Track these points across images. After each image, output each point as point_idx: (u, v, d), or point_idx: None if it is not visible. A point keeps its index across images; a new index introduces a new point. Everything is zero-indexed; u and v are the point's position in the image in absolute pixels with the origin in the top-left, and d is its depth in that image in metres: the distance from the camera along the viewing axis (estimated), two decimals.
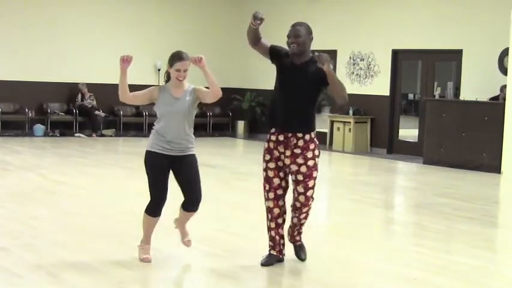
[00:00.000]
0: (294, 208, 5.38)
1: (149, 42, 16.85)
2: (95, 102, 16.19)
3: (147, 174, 5.32)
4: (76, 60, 16.18)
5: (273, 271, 5.35)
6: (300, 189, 5.26)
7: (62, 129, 16.01)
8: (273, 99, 5.40)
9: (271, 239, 5.42)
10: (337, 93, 5.17)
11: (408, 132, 15.25)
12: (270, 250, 5.45)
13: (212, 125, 17.37)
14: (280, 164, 5.28)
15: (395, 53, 14.74)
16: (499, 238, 7.37)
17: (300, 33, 5.20)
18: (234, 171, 11.35)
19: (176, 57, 5.30)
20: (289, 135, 5.22)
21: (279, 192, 5.31)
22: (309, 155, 5.24)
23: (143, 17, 17.00)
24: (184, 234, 5.63)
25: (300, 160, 5.23)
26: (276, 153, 5.26)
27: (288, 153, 5.24)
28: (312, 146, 5.27)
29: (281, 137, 5.24)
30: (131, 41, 16.85)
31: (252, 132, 17.62)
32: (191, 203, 5.39)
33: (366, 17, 14.90)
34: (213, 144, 15.13)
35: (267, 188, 5.33)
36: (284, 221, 5.42)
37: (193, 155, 5.38)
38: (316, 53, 5.11)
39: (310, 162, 5.25)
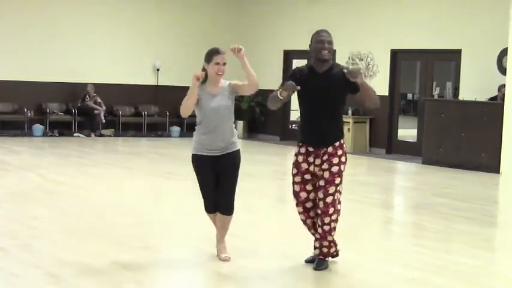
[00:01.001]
0: (317, 216, 5.30)
1: (149, 42, 16.85)
2: (99, 100, 16.16)
3: (197, 177, 5.44)
4: (75, 60, 16.17)
5: (273, 271, 5.35)
6: (320, 195, 5.23)
7: (61, 129, 16.00)
8: (301, 114, 5.42)
9: (312, 235, 5.43)
10: (370, 100, 5.32)
11: (407, 132, 15.26)
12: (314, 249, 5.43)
13: None
14: (307, 176, 5.27)
15: (394, 53, 14.75)
16: (498, 238, 7.37)
17: (331, 41, 5.24)
18: None
19: (214, 52, 5.36)
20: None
21: (308, 205, 5.32)
22: (335, 161, 5.22)
23: (142, 17, 16.99)
24: (222, 250, 5.55)
25: (324, 166, 5.23)
26: (304, 165, 5.26)
27: (317, 161, 5.25)
28: (339, 152, 5.26)
29: (311, 148, 5.25)
30: (131, 41, 16.86)
31: (251, 133, 17.61)
32: (223, 204, 5.44)
33: (365, 17, 14.90)
34: None
35: (296, 202, 5.36)
36: (316, 231, 5.40)
37: (237, 152, 5.44)
38: (345, 70, 5.13)
39: (334, 169, 5.22)
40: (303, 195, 5.29)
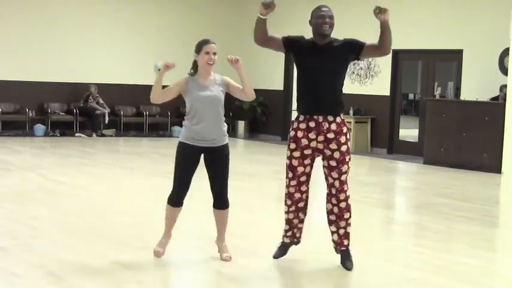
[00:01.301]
0: (330, 196, 5.32)
1: (149, 42, 16.85)
2: (101, 101, 16.17)
3: (175, 164, 5.31)
4: (76, 60, 16.19)
5: (274, 271, 5.35)
6: (335, 174, 5.24)
7: (62, 129, 16.02)
8: (299, 85, 5.35)
9: (288, 221, 5.38)
10: (390, 42, 5.28)
11: (408, 132, 15.25)
12: (282, 238, 5.41)
13: None
14: (307, 152, 5.21)
15: (396, 53, 14.73)
16: (499, 238, 7.37)
17: (332, 15, 5.24)
18: (234, 171, 11.30)
19: (203, 42, 5.36)
20: (320, 119, 5.18)
21: (302, 179, 5.28)
22: (342, 139, 5.22)
23: (144, 17, 17.00)
24: (223, 249, 5.53)
25: (333, 145, 5.20)
26: (305, 141, 5.20)
27: (320, 138, 5.19)
28: (344, 129, 5.25)
29: (312, 123, 5.19)
30: (132, 41, 16.87)
31: (253, 132, 17.62)
32: (218, 198, 5.44)
33: (366, 17, 14.83)
34: None
35: (290, 175, 5.29)
36: (306, 206, 5.39)
37: (225, 146, 5.42)
38: (376, 9, 5.28)
39: (343, 148, 5.23)
40: (300, 169, 5.25)
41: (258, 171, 11.45)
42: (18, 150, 12.96)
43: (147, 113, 16.71)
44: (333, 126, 5.20)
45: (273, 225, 7.21)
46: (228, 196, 5.48)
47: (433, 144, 12.87)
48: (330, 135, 5.19)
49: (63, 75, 16.08)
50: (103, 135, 16.20)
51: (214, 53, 5.32)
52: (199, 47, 5.32)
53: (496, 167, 11.79)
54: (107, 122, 16.17)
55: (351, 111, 15.00)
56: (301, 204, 5.36)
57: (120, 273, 5.14)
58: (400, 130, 15.02)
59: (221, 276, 5.18)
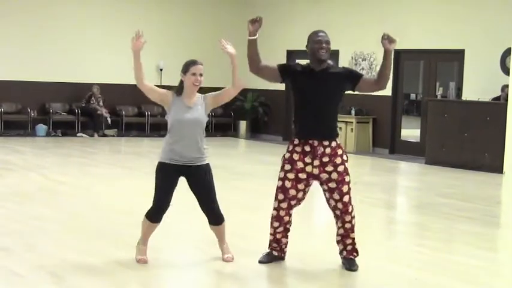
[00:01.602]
0: (336, 218, 5.34)
1: (151, 42, 16.69)
2: (101, 103, 16.19)
3: (156, 182, 5.31)
4: (78, 60, 16.19)
5: (275, 271, 5.35)
6: (336, 196, 5.24)
7: (64, 129, 16.03)
8: (295, 109, 5.37)
9: (276, 241, 5.40)
10: (387, 76, 5.25)
11: (410, 132, 15.24)
12: (271, 250, 5.44)
13: (214, 125, 17.37)
14: (301, 176, 5.21)
15: (397, 53, 14.71)
16: (500, 238, 7.36)
17: (329, 40, 5.25)
18: (235, 171, 11.35)
19: (190, 63, 5.34)
20: (315, 143, 5.18)
21: (293, 202, 5.29)
22: (338, 160, 5.22)
23: (145, 18, 16.98)
24: (225, 250, 5.53)
25: (329, 168, 5.20)
26: (300, 164, 5.20)
27: (316, 163, 5.19)
28: (339, 152, 5.25)
29: (307, 148, 5.20)
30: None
31: (254, 133, 17.62)
32: (210, 215, 5.40)
33: (367, 17, 14.89)
34: (215, 145, 15.10)
35: (281, 197, 5.26)
36: (291, 225, 5.40)
37: (206, 165, 5.34)
38: (384, 37, 5.35)
39: (340, 168, 5.22)
40: (292, 192, 5.24)
41: (260, 171, 11.45)
42: (20, 150, 12.97)
43: (149, 113, 16.71)
44: (328, 150, 5.21)
45: None
46: (221, 209, 5.43)
47: (434, 144, 12.86)
48: (325, 159, 5.21)
49: (64, 75, 16.08)
50: (105, 135, 16.21)
51: (201, 74, 5.32)
52: (187, 67, 5.32)
53: (497, 167, 11.78)
54: (109, 123, 16.19)
55: (353, 112, 15.00)
56: (288, 226, 5.39)
57: (121, 273, 5.14)
58: (401, 130, 15.01)
59: (221, 276, 5.18)
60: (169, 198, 5.30)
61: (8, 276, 4.98)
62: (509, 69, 12.15)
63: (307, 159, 5.20)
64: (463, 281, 5.25)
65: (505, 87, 12.13)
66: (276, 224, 5.35)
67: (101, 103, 16.13)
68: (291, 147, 5.28)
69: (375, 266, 5.62)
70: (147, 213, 5.36)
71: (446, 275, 5.41)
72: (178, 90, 5.35)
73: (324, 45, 5.20)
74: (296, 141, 5.27)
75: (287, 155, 5.27)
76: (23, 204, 7.82)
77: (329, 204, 5.34)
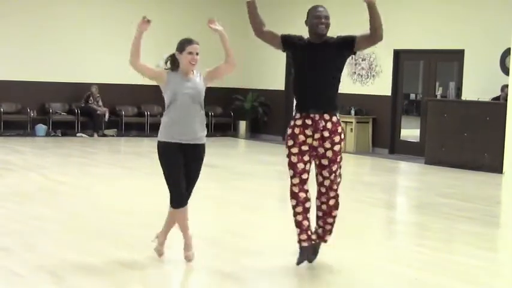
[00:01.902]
0: (320, 194, 5.33)
1: (151, 42, 16.79)
2: (101, 103, 16.19)
3: (163, 166, 5.21)
4: (78, 60, 16.19)
5: (276, 271, 5.34)
6: (325, 173, 5.26)
7: (63, 129, 16.03)
8: (296, 83, 5.33)
9: (298, 224, 5.27)
10: (380, 25, 5.18)
11: (410, 132, 15.24)
12: (300, 243, 5.30)
13: (214, 125, 17.36)
14: (304, 148, 5.21)
15: (397, 53, 14.74)
16: (500, 238, 7.37)
17: (328, 15, 5.27)
18: (235, 171, 11.36)
19: (187, 41, 5.30)
20: (317, 117, 5.19)
21: (304, 176, 5.24)
22: (336, 139, 5.23)
23: (143, 15, 16.99)
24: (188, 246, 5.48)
25: (327, 144, 5.21)
26: (302, 137, 5.21)
27: (316, 135, 5.20)
28: (339, 129, 5.26)
29: (308, 121, 5.20)
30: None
31: (254, 133, 17.62)
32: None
33: (367, 17, 14.88)
34: (214, 144, 15.11)
35: (291, 173, 5.25)
36: (310, 206, 5.34)
37: (203, 145, 5.31)
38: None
39: (337, 147, 5.24)
40: (300, 166, 5.22)
41: (260, 171, 11.46)
42: (20, 150, 12.97)
43: (149, 113, 16.71)
44: (329, 125, 5.21)
45: (275, 224, 7.22)
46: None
47: (434, 144, 12.87)
48: (325, 134, 5.21)
49: (64, 75, 16.08)
50: (104, 135, 16.21)
51: (197, 53, 5.28)
52: (182, 46, 5.28)
53: (497, 167, 11.78)
54: (106, 119, 16.16)
55: (352, 111, 15.00)
56: (307, 205, 5.28)
57: (121, 273, 5.14)
58: (401, 130, 15.01)
59: (223, 276, 5.18)
60: (182, 178, 5.19)
61: (8, 276, 4.98)
62: (508, 69, 12.15)
63: (308, 132, 5.20)
64: (463, 281, 5.25)
65: (504, 87, 12.13)
66: (293, 203, 5.25)
67: (100, 103, 16.13)
68: (292, 123, 5.28)
69: (375, 266, 5.62)
70: (172, 202, 5.23)
71: (446, 275, 5.41)
72: (173, 66, 5.31)
73: (323, 20, 5.24)
74: (297, 116, 5.26)
75: (289, 131, 5.28)
76: (23, 204, 7.82)
77: (317, 178, 5.34)
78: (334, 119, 5.25)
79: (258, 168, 11.84)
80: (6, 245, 5.78)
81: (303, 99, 5.27)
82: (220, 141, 16.23)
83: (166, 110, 5.29)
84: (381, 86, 14.99)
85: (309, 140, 5.22)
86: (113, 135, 16.37)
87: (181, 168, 5.19)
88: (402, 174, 12.76)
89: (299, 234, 5.29)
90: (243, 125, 17.58)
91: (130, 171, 11.02)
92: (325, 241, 5.45)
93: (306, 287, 5.17)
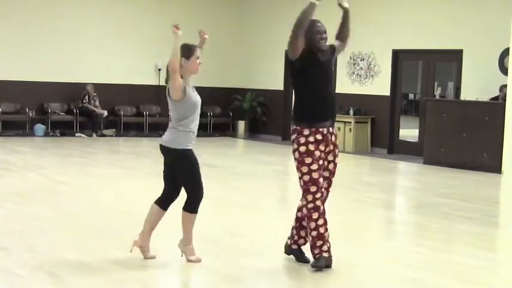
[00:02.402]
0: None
1: (150, 42, 16.84)
2: (97, 103, 16.20)
3: (190, 172, 5.26)
4: (77, 60, 16.19)
5: (276, 271, 5.35)
6: (325, 185, 5.36)
7: (62, 129, 16.02)
8: (308, 96, 5.30)
9: (321, 236, 5.26)
10: (349, 29, 5.47)
11: (408, 132, 15.25)
12: (321, 253, 5.28)
13: (213, 125, 17.37)
14: (321, 163, 5.30)
15: (396, 53, 14.74)
16: (499, 238, 7.38)
17: (326, 30, 5.37)
18: (234, 171, 11.36)
19: (193, 46, 5.28)
20: (325, 131, 5.27)
21: (323, 190, 5.37)
22: (336, 151, 5.40)
23: (144, 17, 17.00)
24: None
25: (330, 157, 5.35)
26: (318, 153, 5.25)
27: (327, 149, 5.32)
28: (337, 142, 5.42)
29: (319, 136, 5.25)
30: (132, 41, 16.87)
31: (253, 133, 17.62)
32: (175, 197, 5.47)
33: (366, 17, 14.89)
34: (213, 144, 15.13)
35: (314, 189, 5.23)
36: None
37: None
38: None
39: (337, 160, 5.41)
40: (321, 180, 5.30)
41: (259, 171, 11.46)
42: (19, 150, 12.96)
43: (147, 113, 16.71)
44: (333, 138, 5.36)
45: (275, 225, 7.22)
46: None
47: (433, 144, 12.87)
48: (331, 147, 5.35)
49: (63, 75, 16.08)
50: (103, 135, 16.20)
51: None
52: (191, 51, 5.22)
53: (496, 167, 11.80)
54: (104, 116, 16.16)
55: (351, 111, 15.00)
56: (326, 216, 5.36)
57: (120, 273, 5.14)
58: (400, 130, 15.02)
59: (223, 276, 5.18)
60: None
61: (7, 276, 4.98)
62: (507, 69, 12.16)
63: (321, 147, 5.28)
64: (462, 281, 5.26)
65: (503, 87, 12.14)
66: (315, 216, 5.24)
67: (97, 102, 16.12)
68: (302, 139, 5.23)
69: (374, 266, 5.63)
70: (191, 207, 5.28)
71: (445, 275, 5.42)
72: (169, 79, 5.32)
73: (324, 35, 5.31)
74: (306, 132, 5.24)
75: (302, 148, 5.22)
76: (23, 204, 7.82)
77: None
78: (334, 130, 5.41)
79: (257, 168, 11.84)
80: (5, 245, 5.78)
81: (314, 113, 5.25)
82: (219, 141, 16.24)
83: (183, 118, 5.25)
84: (380, 86, 15.00)
85: (322, 155, 5.31)
86: (111, 135, 16.37)
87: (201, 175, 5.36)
88: (401, 174, 12.77)
89: (321, 246, 5.28)
90: (241, 125, 17.58)
91: (130, 171, 11.02)
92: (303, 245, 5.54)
93: (305, 287, 5.17)
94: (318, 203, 5.27)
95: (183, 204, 5.36)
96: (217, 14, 17.66)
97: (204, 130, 17.08)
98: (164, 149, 5.36)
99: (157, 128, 16.84)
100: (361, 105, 15.05)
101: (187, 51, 5.20)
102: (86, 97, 16.04)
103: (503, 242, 7.20)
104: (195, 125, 5.32)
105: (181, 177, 5.30)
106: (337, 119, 15.40)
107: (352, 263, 5.64)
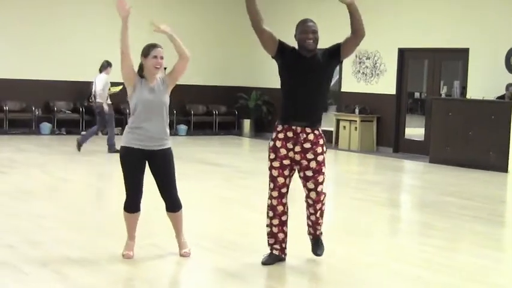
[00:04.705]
0: (308, 205, 5.37)
1: (154, 41, 16.84)
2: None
3: (123, 170, 5.34)
4: (83, 59, 16.20)
5: (278, 269, 5.35)
6: (311, 185, 5.26)
7: (68, 127, 16.06)
8: (283, 94, 5.32)
9: (273, 235, 5.38)
10: (361, 24, 5.14)
11: (414, 131, 15.24)
12: (271, 249, 5.43)
13: (218, 123, 17.37)
14: (286, 162, 5.23)
15: (402, 52, 14.72)
16: (505, 237, 7.35)
17: (316, 30, 5.23)
18: (239, 170, 11.35)
19: (151, 46, 5.43)
20: (299, 130, 5.19)
21: (283, 190, 5.29)
22: (319, 150, 5.24)
23: (149, 17, 16.99)
24: (182, 245, 5.54)
25: (309, 155, 5.21)
26: (283, 151, 5.22)
27: (297, 149, 5.21)
28: (321, 141, 5.27)
29: (290, 133, 5.20)
30: (137, 40, 16.85)
31: (258, 131, 17.62)
32: (169, 201, 5.40)
33: (372, 15, 14.85)
34: (218, 143, 15.14)
35: (271, 186, 5.30)
36: (287, 219, 5.40)
37: (169, 149, 5.38)
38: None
39: (320, 158, 5.24)
40: (281, 180, 5.24)
41: (263, 170, 11.42)
42: (25, 149, 12.99)
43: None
44: (310, 137, 5.22)
45: None
46: (179, 197, 5.46)
47: (439, 143, 12.85)
48: (307, 145, 5.21)
49: (69, 73, 16.11)
50: None
51: (162, 57, 5.37)
52: (147, 50, 5.39)
53: (502, 166, 11.77)
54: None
55: (357, 110, 15.00)
56: (284, 218, 5.36)
57: (125, 270, 5.15)
58: (405, 129, 15.00)
59: (226, 275, 5.18)
60: (141, 184, 5.33)
61: (12, 273, 4.99)
62: None
63: (289, 145, 5.21)
64: (467, 280, 5.25)
65: (509, 86, 12.11)
66: (270, 214, 5.34)
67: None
68: (274, 135, 5.29)
69: (378, 264, 5.62)
70: (124, 205, 5.40)
71: (450, 273, 5.40)
72: (140, 72, 5.40)
73: (310, 35, 5.18)
74: (279, 128, 5.26)
75: (271, 143, 5.28)
76: (28, 201, 7.84)
77: (304, 190, 5.35)
78: (316, 132, 5.25)
79: (262, 167, 11.81)
80: (10, 242, 5.80)
81: (287, 111, 5.25)
82: (224, 139, 16.24)
83: (131, 115, 5.37)
84: (386, 84, 14.98)
85: (291, 154, 5.22)
86: (117, 134, 16.36)
87: (138, 175, 5.33)
88: (407, 173, 12.74)
89: (272, 244, 5.40)
90: (247, 123, 17.59)
91: None
92: (320, 236, 5.53)
93: (309, 286, 5.17)
94: (274, 202, 5.29)
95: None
96: (222, 13, 17.65)
97: (209, 128, 17.09)
98: None
99: None
100: (367, 104, 15.04)
101: (144, 50, 5.45)
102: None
103: (509, 241, 7.18)
104: (140, 121, 5.27)
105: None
106: (342, 118, 15.65)
107: (357, 262, 5.64)
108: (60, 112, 16.03)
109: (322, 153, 5.26)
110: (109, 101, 14.08)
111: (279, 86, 5.39)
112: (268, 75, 17.23)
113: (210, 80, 17.86)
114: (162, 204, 5.54)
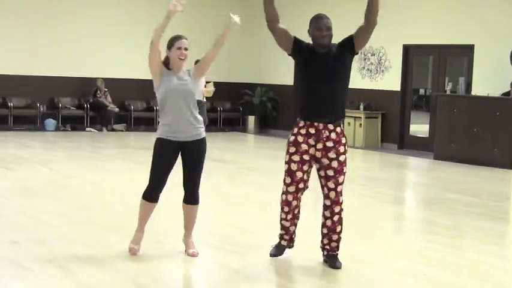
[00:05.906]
0: (324, 208, 5.27)
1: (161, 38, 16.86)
2: (110, 99, 16.25)
3: (153, 159, 5.36)
4: (87, 55, 16.22)
5: (284, 266, 5.35)
6: (331, 185, 5.20)
7: (73, 123, 16.09)
8: (300, 91, 5.29)
9: (284, 228, 5.34)
10: (377, 9, 5.26)
11: (419, 127, 15.21)
12: (280, 240, 5.41)
13: (223, 119, 17.38)
14: (306, 157, 5.18)
15: (407, 48, 14.70)
16: (510, 234, 7.34)
17: (330, 26, 5.20)
18: (244, 166, 11.36)
19: (175, 38, 5.41)
20: (321, 127, 5.16)
21: (300, 185, 5.23)
22: (341, 149, 5.19)
23: (154, 13, 16.96)
24: (190, 245, 5.51)
25: (331, 154, 5.16)
26: (304, 146, 5.18)
27: (319, 146, 5.17)
28: (343, 140, 5.21)
29: (312, 130, 5.18)
30: (142, 36, 16.85)
31: (263, 127, 17.62)
32: (190, 193, 5.40)
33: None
34: (223, 139, 15.13)
35: (288, 181, 5.21)
36: (300, 212, 5.36)
37: (203, 140, 5.36)
38: None
39: (342, 157, 5.18)
40: (299, 174, 5.19)
41: (269, 166, 11.45)
42: (30, 145, 13.01)
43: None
44: (333, 135, 5.18)
45: None
46: (199, 192, 5.45)
47: (443, 140, 12.83)
48: (329, 144, 5.17)
49: (74, 69, 16.12)
50: (113, 130, 16.25)
51: (186, 48, 5.35)
52: (171, 42, 5.38)
53: (507, 163, 11.74)
54: (116, 111, 16.20)
55: (361, 107, 14.98)
56: (296, 211, 5.33)
57: (132, 267, 5.15)
58: (410, 125, 14.99)
59: (232, 271, 5.18)
60: (166, 177, 5.34)
61: (17, 269, 5.00)
62: None
63: (311, 141, 5.18)
64: (471, 277, 5.24)
65: None
66: (286, 209, 5.27)
67: (108, 97, 16.17)
68: (295, 130, 5.27)
69: (382, 261, 5.62)
70: (144, 193, 5.41)
71: (455, 271, 5.40)
72: (166, 67, 5.39)
73: (324, 32, 5.16)
74: (301, 124, 5.25)
75: (292, 138, 5.26)
76: (33, 198, 7.85)
77: (322, 190, 5.28)
78: (338, 129, 5.21)
79: (267, 163, 11.83)
80: (15, 239, 5.81)
81: (308, 108, 5.22)
82: (229, 136, 16.24)
83: (160, 108, 5.39)
84: (390, 81, 14.95)
85: (312, 150, 5.19)
86: (122, 130, 16.41)
87: (168, 167, 5.35)
88: (411, 169, 12.73)
89: (282, 235, 5.37)
90: (251, 120, 17.59)
91: (140, 165, 11.00)
92: (335, 254, 5.37)
93: (315, 283, 5.17)
94: (290, 197, 5.23)
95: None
96: (226, 10, 17.60)
97: (214, 125, 17.08)
98: None
99: None
100: (372, 100, 15.02)
101: (168, 42, 5.42)
102: (98, 91, 16.10)
103: None
104: (170, 113, 5.29)
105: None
106: (347, 114, 15.55)
107: (362, 259, 5.63)
108: (64, 108, 16.05)
109: (344, 152, 5.20)
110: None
111: (284, 82, 5.39)
112: (272, 72, 17.24)
113: (214, 77, 17.86)
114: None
